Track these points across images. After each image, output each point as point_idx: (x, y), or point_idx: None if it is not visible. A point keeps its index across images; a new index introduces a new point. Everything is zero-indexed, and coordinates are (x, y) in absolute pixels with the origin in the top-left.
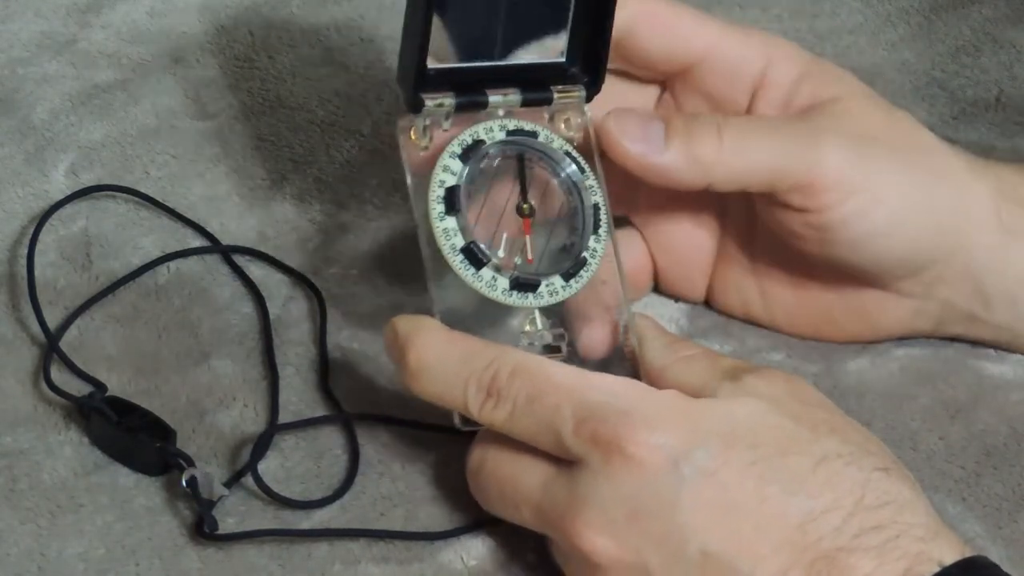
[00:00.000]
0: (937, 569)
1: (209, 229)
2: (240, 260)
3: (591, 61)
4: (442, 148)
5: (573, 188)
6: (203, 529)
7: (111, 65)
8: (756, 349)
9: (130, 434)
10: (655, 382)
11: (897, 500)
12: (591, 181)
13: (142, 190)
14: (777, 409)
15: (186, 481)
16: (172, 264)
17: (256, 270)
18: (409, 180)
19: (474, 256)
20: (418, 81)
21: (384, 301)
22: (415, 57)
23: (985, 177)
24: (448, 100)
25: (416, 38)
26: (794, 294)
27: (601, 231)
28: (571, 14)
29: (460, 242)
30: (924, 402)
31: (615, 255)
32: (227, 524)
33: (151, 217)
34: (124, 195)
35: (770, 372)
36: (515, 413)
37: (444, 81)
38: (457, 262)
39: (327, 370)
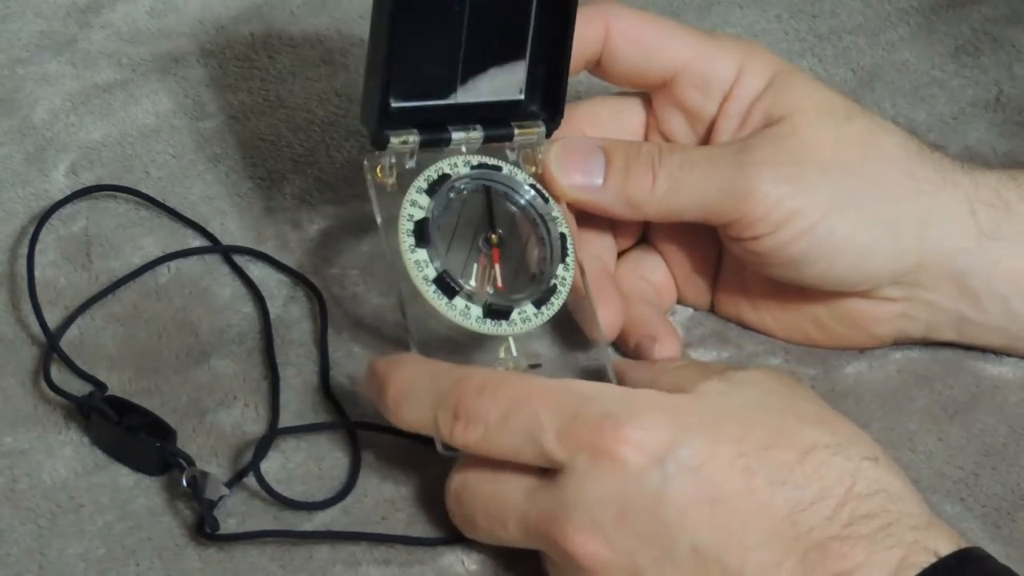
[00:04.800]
0: (934, 559)
1: (209, 229)
2: (240, 260)
3: (549, 98)
4: (408, 185)
5: (539, 219)
6: (204, 529)
7: (111, 65)
8: (753, 354)
9: (130, 434)
10: None
11: (888, 489)
12: (556, 212)
13: (142, 190)
14: (763, 402)
15: (187, 481)
16: (172, 264)
17: (256, 270)
18: (378, 217)
19: (446, 285)
20: (382, 119)
21: (384, 301)
22: (379, 95)
23: (958, 183)
24: (412, 137)
25: (379, 77)
26: (781, 304)
27: (568, 259)
28: (528, 52)
29: (432, 273)
30: (922, 403)
31: (583, 281)
32: (228, 525)
33: (151, 217)
34: (124, 195)
35: (756, 369)
36: (488, 431)
37: (408, 119)
38: (430, 292)
39: (328, 370)
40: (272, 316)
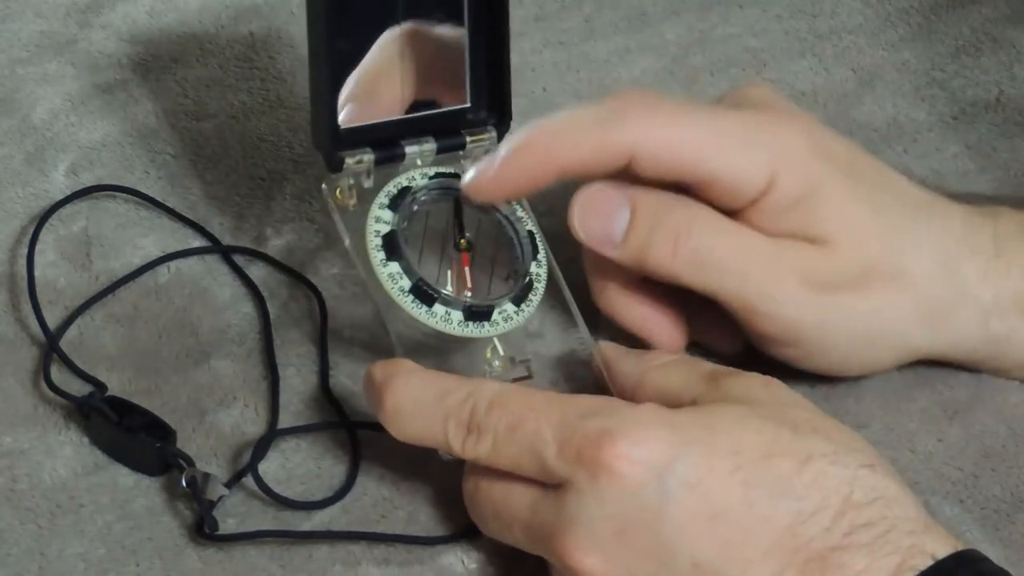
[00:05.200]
0: (931, 562)
1: (209, 229)
2: (240, 260)
3: (495, 103)
4: (370, 203)
5: (504, 221)
6: (203, 529)
7: (111, 65)
8: (754, 349)
9: (130, 434)
10: (634, 395)
11: (885, 495)
12: (520, 212)
13: (142, 190)
14: (757, 412)
15: (186, 481)
16: (172, 264)
17: (256, 270)
18: (345, 238)
19: (424, 293)
20: (334, 141)
21: None
22: (327, 119)
23: (979, 298)
24: (367, 156)
25: (326, 100)
26: None
27: (540, 256)
28: (468, 60)
29: (407, 283)
30: (923, 403)
31: (558, 278)
32: (227, 525)
33: (151, 217)
34: (124, 195)
35: (747, 375)
36: (497, 444)
37: (360, 138)
38: (408, 303)
39: (328, 370)
40: (272, 316)
